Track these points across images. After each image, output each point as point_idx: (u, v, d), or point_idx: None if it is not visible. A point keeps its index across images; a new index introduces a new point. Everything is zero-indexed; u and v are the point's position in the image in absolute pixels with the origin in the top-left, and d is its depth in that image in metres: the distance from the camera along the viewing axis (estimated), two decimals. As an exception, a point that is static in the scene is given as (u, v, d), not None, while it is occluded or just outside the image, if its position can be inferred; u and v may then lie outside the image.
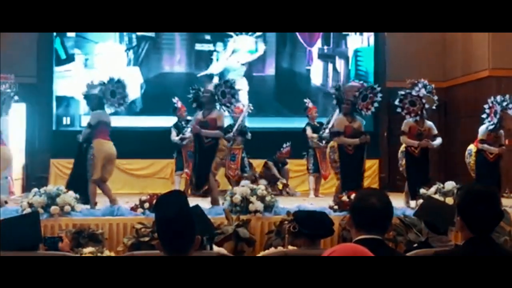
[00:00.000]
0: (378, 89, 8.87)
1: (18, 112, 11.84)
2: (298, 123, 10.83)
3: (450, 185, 7.59)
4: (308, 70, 12.60)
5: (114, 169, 9.87)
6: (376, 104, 8.78)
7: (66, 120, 11.95)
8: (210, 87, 8.34)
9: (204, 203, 8.00)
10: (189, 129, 9.36)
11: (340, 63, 12.64)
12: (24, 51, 11.52)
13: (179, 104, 10.14)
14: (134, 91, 11.98)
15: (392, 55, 12.25)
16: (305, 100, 10.74)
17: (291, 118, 11.87)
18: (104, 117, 7.96)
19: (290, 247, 4.45)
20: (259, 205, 7.21)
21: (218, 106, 8.10)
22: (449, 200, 7.20)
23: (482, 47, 11.03)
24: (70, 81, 11.85)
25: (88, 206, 7.76)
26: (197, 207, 4.14)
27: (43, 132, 12.01)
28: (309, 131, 10.40)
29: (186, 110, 10.05)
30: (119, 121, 10.60)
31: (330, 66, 12.64)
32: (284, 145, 10.99)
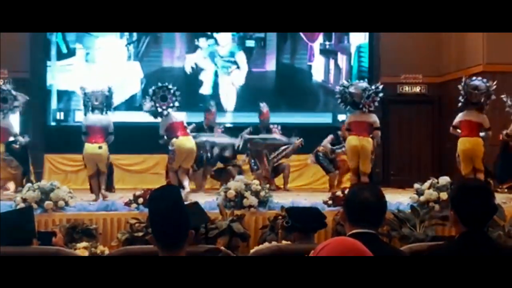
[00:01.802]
0: (381, 87, 9.13)
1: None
2: (299, 119, 10.71)
3: (444, 180, 7.59)
4: (310, 66, 12.54)
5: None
6: (376, 104, 9.10)
7: (60, 115, 11.91)
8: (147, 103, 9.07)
9: (199, 199, 8.02)
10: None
11: (342, 59, 12.56)
12: (16, 45, 11.46)
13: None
14: (134, 86, 11.98)
15: (386, 51, 12.24)
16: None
17: (292, 114, 11.84)
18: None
19: (284, 242, 4.46)
20: (253, 200, 7.21)
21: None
22: (444, 195, 7.21)
23: (476, 42, 11.04)
24: (71, 75, 11.85)
25: (82, 202, 7.84)
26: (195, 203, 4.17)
27: (37, 127, 11.95)
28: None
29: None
30: (118, 116, 10.59)
31: (332, 62, 12.58)
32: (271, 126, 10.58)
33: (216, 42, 12.26)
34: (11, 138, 8.84)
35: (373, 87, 9.16)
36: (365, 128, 8.96)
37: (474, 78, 9.05)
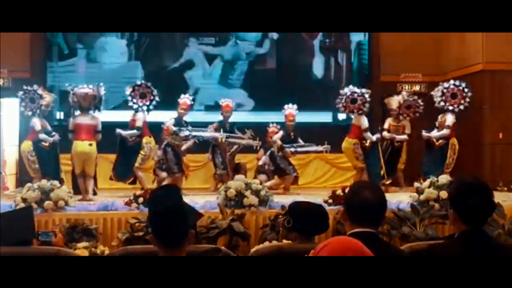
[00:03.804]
0: (367, 95, 9.63)
1: (11, 107, 11.80)
2: (300, 116, 10.59)
3: (444, 178, 7.59)
4: (310, 63, 12.55)
5: (109, 165, 9.93)
6: (366, 109, 9.61)
7: (60, 115, 11.90)
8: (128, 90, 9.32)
9: (197, 198, 8.01)
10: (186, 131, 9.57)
11: (342, 56, 12.58)
12: (16, 45, 11.44)
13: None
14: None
15: (386, 50, 12.23)
16: None
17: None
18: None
19: (284, 241, 4.45)
20: (253, 199, 7.21)
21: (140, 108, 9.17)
22: (443, 194, 7.21)
23: (476, 41, 11.03)
24: (73, 76, 11.84)
25: (82, 202, 7.86)
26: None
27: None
28: None
29: (188, 109, 9.89)
30: (118, 116, 10.58)
31: (332, 59, 12.58)
32: (270, 125, 10.56)
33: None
34: (42, 136, 8.82)
35: (358, 91, 9.62)
36: (350, 130, 9.80)
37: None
